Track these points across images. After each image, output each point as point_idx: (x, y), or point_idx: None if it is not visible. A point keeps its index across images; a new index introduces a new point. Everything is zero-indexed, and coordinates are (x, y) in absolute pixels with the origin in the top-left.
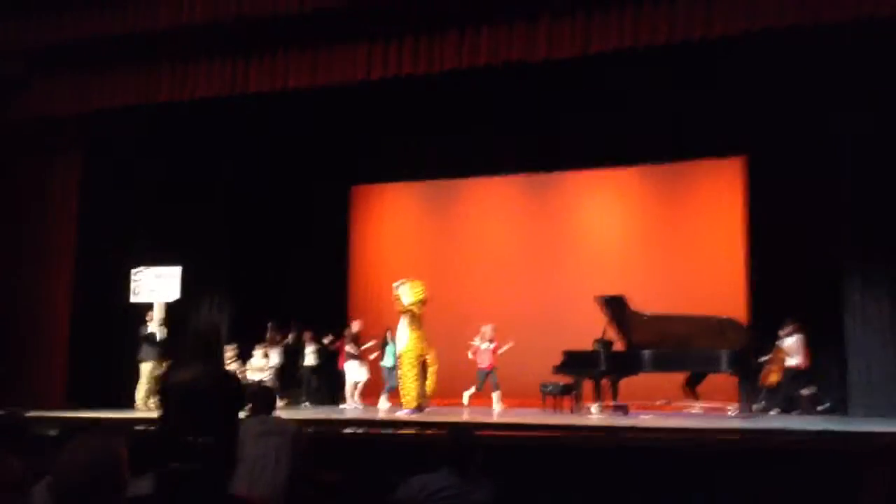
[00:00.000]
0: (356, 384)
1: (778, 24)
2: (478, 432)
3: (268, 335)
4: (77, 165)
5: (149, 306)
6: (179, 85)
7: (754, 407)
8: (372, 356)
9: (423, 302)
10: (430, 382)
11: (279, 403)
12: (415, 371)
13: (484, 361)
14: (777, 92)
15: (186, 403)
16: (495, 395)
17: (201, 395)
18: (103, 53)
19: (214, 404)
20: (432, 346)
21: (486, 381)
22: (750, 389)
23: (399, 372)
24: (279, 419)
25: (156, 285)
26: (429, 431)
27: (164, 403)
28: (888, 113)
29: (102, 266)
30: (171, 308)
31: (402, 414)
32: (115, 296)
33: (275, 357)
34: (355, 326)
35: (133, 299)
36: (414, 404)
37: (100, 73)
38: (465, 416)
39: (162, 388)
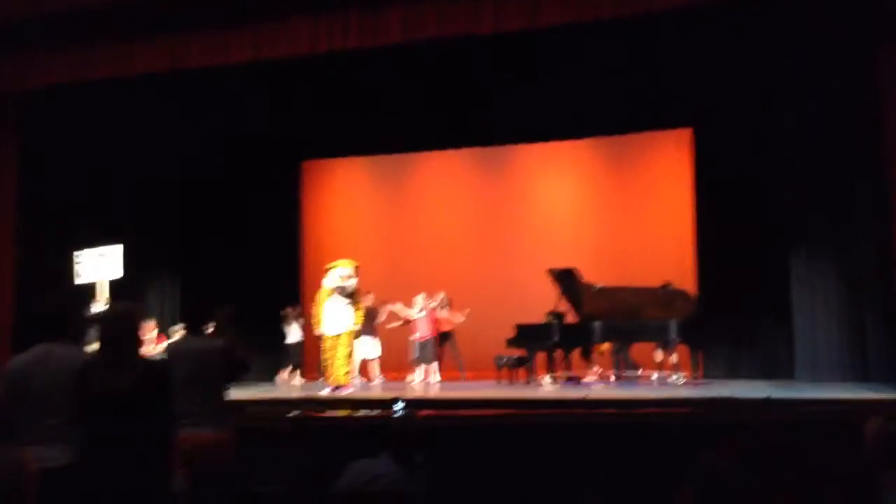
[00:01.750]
0: (365, 361)
1: None
2: (420, 412)
3: (286, 310)
4: (14, 145)
5: (93, 287)
6: (117, 61)
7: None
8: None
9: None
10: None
11: (298, 380)
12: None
13: (421, 330)
14: (722, 63)
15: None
16: (433, 366)
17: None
18: (39, 30)
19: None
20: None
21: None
22: (698, 358)
23: (336, 352)
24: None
25: (99, 264)
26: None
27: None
28: (833, 83)
29: (46, 249)
30: (118, 287)
31: (328, 392)
32: (62, 277)
33: (297, 332)
34: (368, 300)
35: (77, 281)
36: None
37: (35, 50)
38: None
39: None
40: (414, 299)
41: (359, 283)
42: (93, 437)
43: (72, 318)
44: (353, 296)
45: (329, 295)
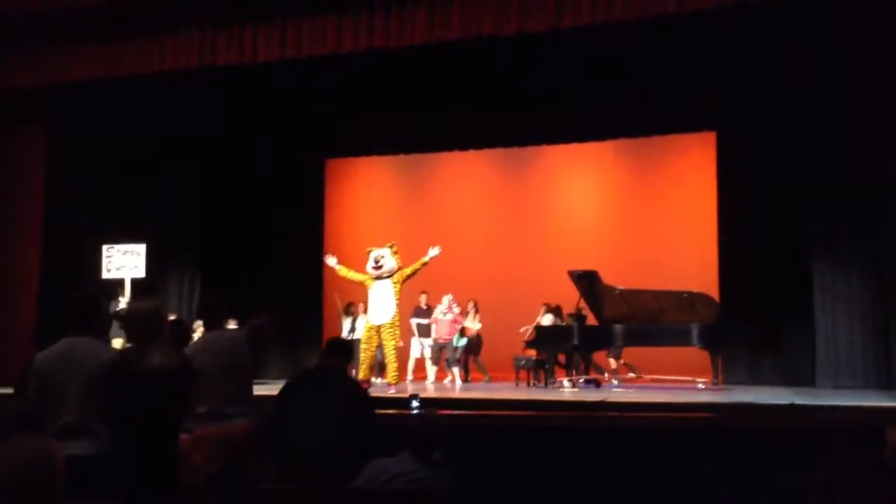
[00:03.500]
0: (416, 359)
1: None
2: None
3: (345, 306)
4: (41, 141)
5: (120, 283)
6: (145, 58)
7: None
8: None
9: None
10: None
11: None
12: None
13: (443, 332)
14: (748, 66)
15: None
16: (456, 370)
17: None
18: (66, 26)
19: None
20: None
21: (447, 351)
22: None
23: (394, 347)
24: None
25: (124, 262)
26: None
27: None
28: (858, 88)
29: (71, 244)
30: (141, 285)
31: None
32: (87, 273)
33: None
34: (423, 300)
35: (105, 276)
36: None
37: (62, 46)
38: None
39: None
40: (442, 299)
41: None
42: (122, 429)
43: (95, 313)
44: (391, 276)
45: (371, 281)
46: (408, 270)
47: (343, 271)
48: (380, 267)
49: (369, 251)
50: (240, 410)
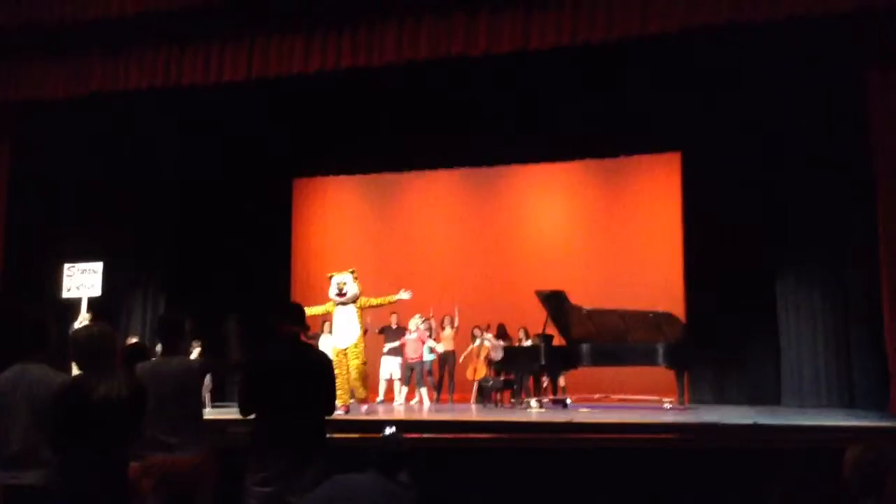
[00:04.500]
0: (387, 381)
1: (714, 20)
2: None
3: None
4: (5, 157)
5: (78, 303)
6: (111, 76)
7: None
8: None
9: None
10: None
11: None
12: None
13: (411, 352)
14: (712, 87)
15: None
16: (424, 391)
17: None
18: (31, 42)
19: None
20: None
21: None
22: (684, 383)
23: (359, 366)
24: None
25: (83, 281)
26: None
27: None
28: (821, 108)
29: (32, 262)
30: (102, 305)
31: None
32: (45, 294)
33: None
34: (394, 320)
35: (65, 295)
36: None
37: (27, 62)
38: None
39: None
40: (411, 320)
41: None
42: (71, 458)
43: (44, 337)
44: (356, 301)
45: (334, 306)
46: (374, 301)
47: (308, 311)
48: (344, 294)
49: (330, 276)
50: (183, 440)
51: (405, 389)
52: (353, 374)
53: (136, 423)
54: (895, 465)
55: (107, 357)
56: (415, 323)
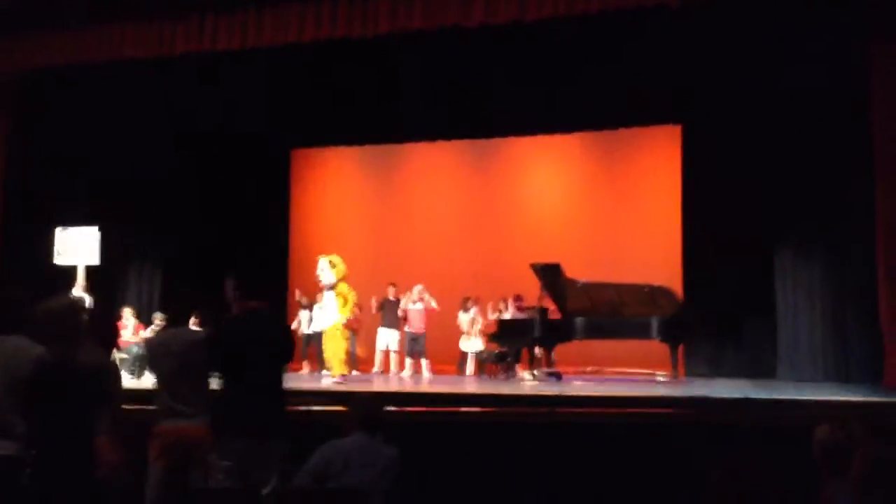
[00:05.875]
0: (383, 352)
1: None
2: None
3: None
4: (5, 126)
5: (74, 272)
6: (106, 45)
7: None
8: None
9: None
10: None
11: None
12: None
13: (415, 323)
14: (714, 59)
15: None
16: (424, 362)
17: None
18: (30, 11)
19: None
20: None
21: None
22: (678, 356)
23: (333, 348)
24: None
25: (79, 246)
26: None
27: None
28: (824, 81)
29: (29, 227)
30: (98, 273)
31: (332, 382)
32: (39, 261)
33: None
34: (391, 292)
35: (57, 260)
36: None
37: (27, 32)
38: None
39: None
40: (411, 290)
41: (344, 274)
42: (42, 430)
43: (20, 310)
44: (333, 288)
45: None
46: (350, 299)
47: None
48: (319, 280)
49: (319, 259)
50: (193, 411)
51: (409, 361)
52: (327, 353)
53: (105, 395)
54: (863, 443)
55: (74, 329)
56: (416, 293)
